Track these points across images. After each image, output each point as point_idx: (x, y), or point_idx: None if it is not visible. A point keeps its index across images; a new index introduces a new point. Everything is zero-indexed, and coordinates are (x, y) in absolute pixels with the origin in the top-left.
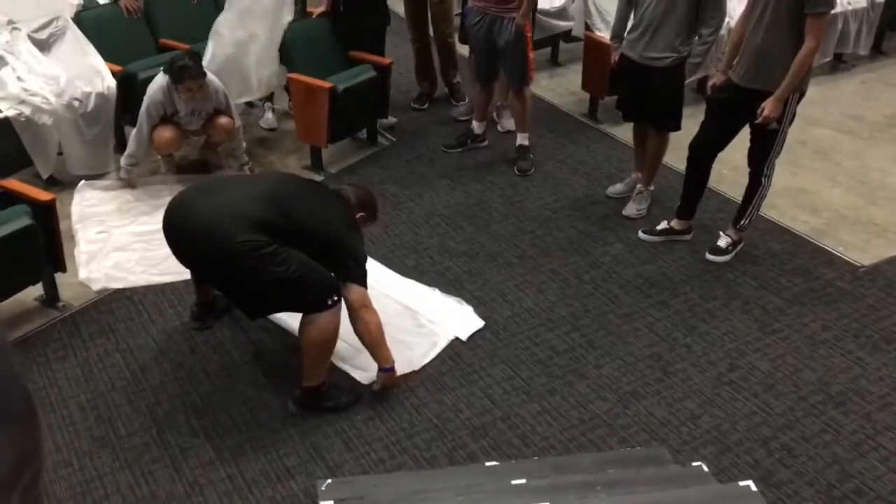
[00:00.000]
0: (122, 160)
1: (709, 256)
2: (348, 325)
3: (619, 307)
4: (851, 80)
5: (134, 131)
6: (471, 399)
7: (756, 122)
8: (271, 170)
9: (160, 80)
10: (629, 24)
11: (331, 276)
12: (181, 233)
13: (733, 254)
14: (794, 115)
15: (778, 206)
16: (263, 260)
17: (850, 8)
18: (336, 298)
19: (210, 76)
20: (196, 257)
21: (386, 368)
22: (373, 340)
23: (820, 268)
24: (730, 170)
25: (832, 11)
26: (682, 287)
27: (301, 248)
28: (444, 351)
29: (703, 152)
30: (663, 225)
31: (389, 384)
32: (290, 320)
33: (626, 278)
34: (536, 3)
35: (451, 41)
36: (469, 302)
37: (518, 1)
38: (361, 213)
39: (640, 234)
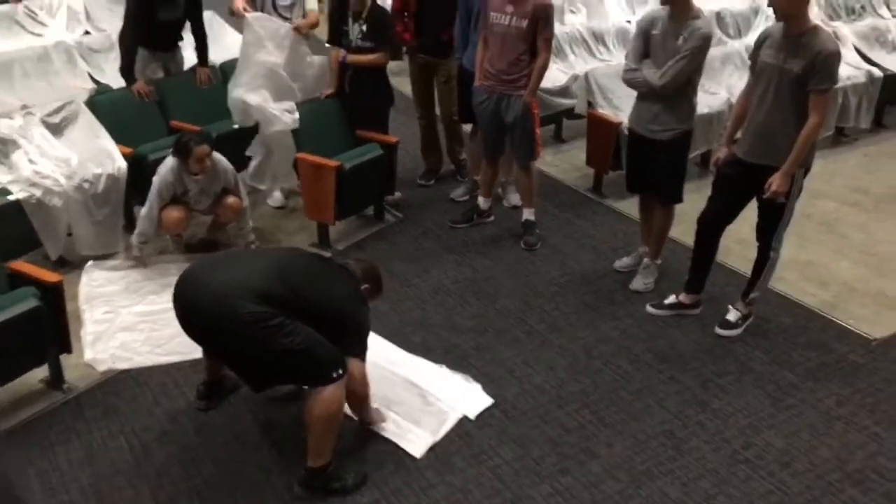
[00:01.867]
0: (133, 239)
1: (718, 331)
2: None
3: (630, 383)
4: (854, 153)
5: (144, 211)
6: (480, 480)
7: (764, 197)
8: (279, 246)
9: (170, 161)
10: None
11: (336, 349)
12: (190, 304)
13: (743, 327)
14: (801, 189)
15: (786, 280)
16: (270, 331)
17: (850, 83)
18: (341, 372)
19: (217, 155)
20: (204, 329)
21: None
22: (360, 407)
23: (832, 342)
24: (737, 243)
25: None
26: (693, 362)
27: (307, 321)
28: (452, 430)
29: (711, 226)
30: (671, 299)
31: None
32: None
33: (635, 353)
34: (541, 80)
35: (457, 119)
36: (477, 379)
37: (525, 80)
38: (366, 286)
39: (648, 307)
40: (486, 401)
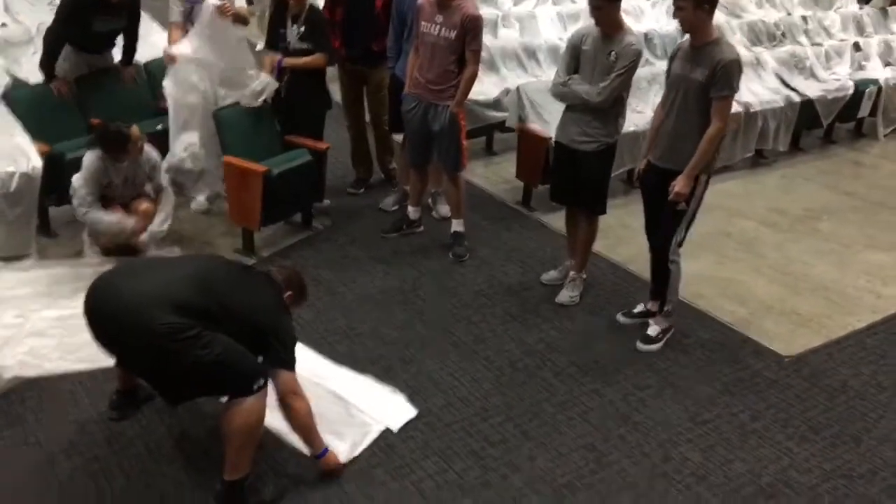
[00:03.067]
0: (85, 218)
1: (640, 346)
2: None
3: (554, 395)
4: (772, 174)
5: (81, 197)
6: (402, 495)
7: (669, 198)
8: (199, 253)
9: (91, 155)
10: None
11: (257, 360)
12: (101, 315)
13: (664, 341)
14: (700, 200)
15: (706, 296)
16: (186, 343)
17: (769, 107)
18: (262, 383)
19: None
20: (116, 340)
21: (319, 455)
22: (302, 427)
23: (748, 358)
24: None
25: (744, 101)
26: (616, 375)
27: (227, 332)
28: (375, 442)
29: (650, 235)
30: (640, 307)
31: (328, 469)
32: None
33: (560, 366)
34: (469, 92)
35: (388, 128)
36: (402, 390)
37: (452, 90)
38: (290, 293)
39: (619, 316)
40: (409, 412)
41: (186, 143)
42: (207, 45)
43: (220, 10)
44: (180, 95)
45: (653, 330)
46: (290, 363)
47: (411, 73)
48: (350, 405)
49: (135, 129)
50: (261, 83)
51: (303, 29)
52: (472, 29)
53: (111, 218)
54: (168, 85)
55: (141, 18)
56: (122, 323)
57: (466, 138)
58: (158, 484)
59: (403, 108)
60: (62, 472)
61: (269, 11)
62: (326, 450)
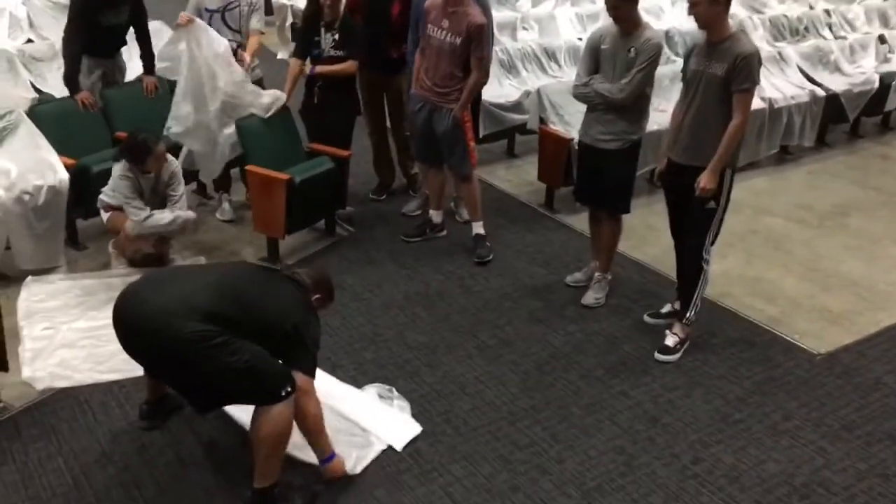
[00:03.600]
0: (134, 224)
1: (658, 356)
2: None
3: (581, 398)
4: (798, 170)
5: (133, 213)
6: (431, 499)
7: (695, 195)
8: (224, 261)
9: (118, 167)
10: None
11: (284, 366)
12: (130, 325)
13: (682, 352)
14: (728, 198)
15: (734, 295)
16: (214, 350)
17: (793, 102)
18: (290, 390)
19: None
20: (145, 350)
21: (326, 459)
22: (311, 429)
23: (778, 356)
24: None
25: (766, 95)
26: (643, 377)
27: (255, 338)
28: (405, 447)
29: (675, 235)
30: (667, 308)
31: (332, 476)
32: (244, 416)
33: (587, 368)
34: (481, 95)
35: (408, 133)
36: (429, 395)
37: (457, 94)
38: (317, 296)
39: (646, 317)
40: (414, 429)
41: (183, 113)
42: (204, 78)
43: (236, 58)
44: (189, 62)
45: (671, 340)
46: (309, 368)
47: (417, 73)
48: (354, 425)
49: (160, 147)
50: (270, 95)
51: (337, 37)
52: (476, 36)
53: (169, 216)
54: (179, 49)
55: (147, 18)
56: (150, 332)
57: (487, 141)
58: (189, 492)
59: (411, 106)
60: (95, 482)
61: (290, 21)
62: (334, 455)
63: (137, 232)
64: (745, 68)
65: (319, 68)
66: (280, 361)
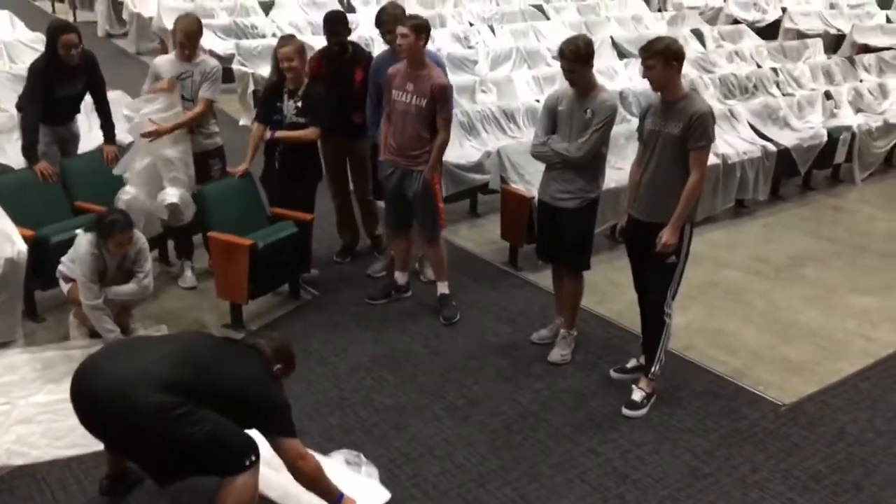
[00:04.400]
0: (88, 310)
1: (625, 412)
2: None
3: (550, 457)
4: (754, 223)
5: (79, 283)
6: None
7: (657, 250)
8: (185, 330)
9: (84, 240)
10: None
11: (248, 435)
12: (88, 397)
13: (648, 406)
14: (688, 252)
15: (697, 347)
16: (175, 421)
17: (746, 157)
18: (254, 459)
19: (136, 233)
20: (104, 423)
21: (337, 499)
22: (316, 485)
23: (743, 408)
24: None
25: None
26: (612, 433)
27: (217, 407)
28: None
29: (638, 290)
30: (633, 363)
31: None
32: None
33: (555, 426)
34: (441, 157)
35: (371, 197)
36: (397, 459)
37: (426, 156)
38: (279, 366)
39: (612, 373)
40: (384, 496)
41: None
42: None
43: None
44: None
45: (637, 395)
46: (290, 430)
47: (385, 139)
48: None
49: (123, 235)
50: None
51: (300, 104)
52: (440, 97)
53: (128, 289)
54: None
55: (105, 87)
56: (109, 404)
57: (450, 201)
58: None
59: (381, 173)
60: None
61: (252, 89)
62: (342, 495)
63: (87, 309)
64: (701, 126)
65: (280, 133)
66: (245, 431)
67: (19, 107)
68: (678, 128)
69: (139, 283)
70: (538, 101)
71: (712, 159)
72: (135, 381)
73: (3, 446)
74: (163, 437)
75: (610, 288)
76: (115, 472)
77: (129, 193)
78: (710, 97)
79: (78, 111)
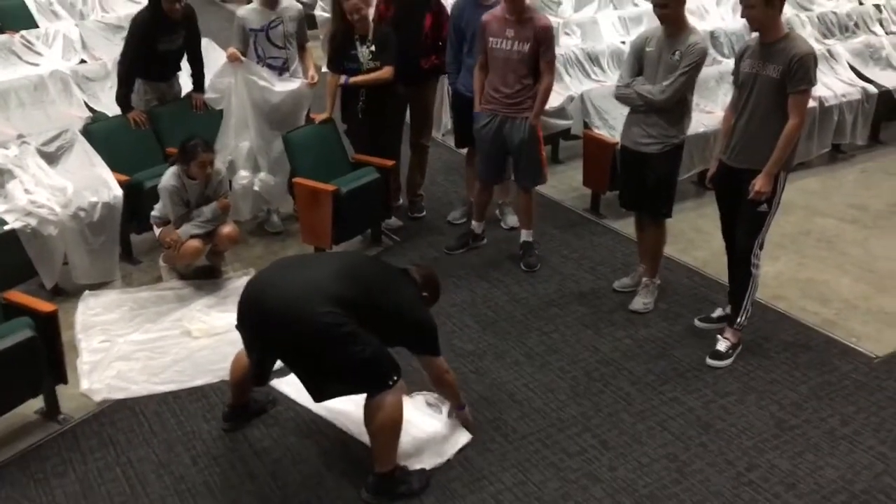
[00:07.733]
0: (166, 236)
1: (709, 362)
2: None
3: (632, 405)
4: (852, 169)
5: (159, 216)
6: None
7: (749, 198)
8: (346, 250)
9: (169, 172)
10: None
11: (393, 356)
12: (263, 308)
13: (734, 357)
14: (779, 200)
15: (787, 298)
16: (343, 339)
17: (845, 100)
18: (396, 378)
19: (218, 165)
20: (276, 332)
21: (460, 407)
22: (455, 391)
23: (834, 360)
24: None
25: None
26: (695, 383)
27: (373, 326)
28: (453, 456)
29: (727, 238)
30: (719, 312)
31: (465, 419)
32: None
33: (637, 374)
34: (547, 102)
35: (427, 145)
36: (477, 403)
37: (529, 102)
38: (425, 294)
39: (696, 322)
40: (464, 437)
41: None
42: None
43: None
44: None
45: (722, 345)
46: (437, 349)
47: (481, 89)
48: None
49: (206, 155)
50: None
51: (373, 48)
52: (545, 40)
53: (211, 208)
54: (226, 83)
55: (201, 40)
56: (284, 314)
57: (543, 149)
58: (243, 501)
59: (476, 124)
60: (152, 491)
61: (329, 33)
62: (464, 406)
63: (187, 235)
64: (801, 69)
65: (353, 79)
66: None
67: (120, 59)
68: (777, 70)
69: (220, 202)
70: (623, 42)
71: (809, 102)
72: (310, 292)
73: (104, 381)
74: (327, 352)
75: (696, 235)
76: (239, 402)
77: (263, 181)
78: (808, 37)
79: (179, 68)
